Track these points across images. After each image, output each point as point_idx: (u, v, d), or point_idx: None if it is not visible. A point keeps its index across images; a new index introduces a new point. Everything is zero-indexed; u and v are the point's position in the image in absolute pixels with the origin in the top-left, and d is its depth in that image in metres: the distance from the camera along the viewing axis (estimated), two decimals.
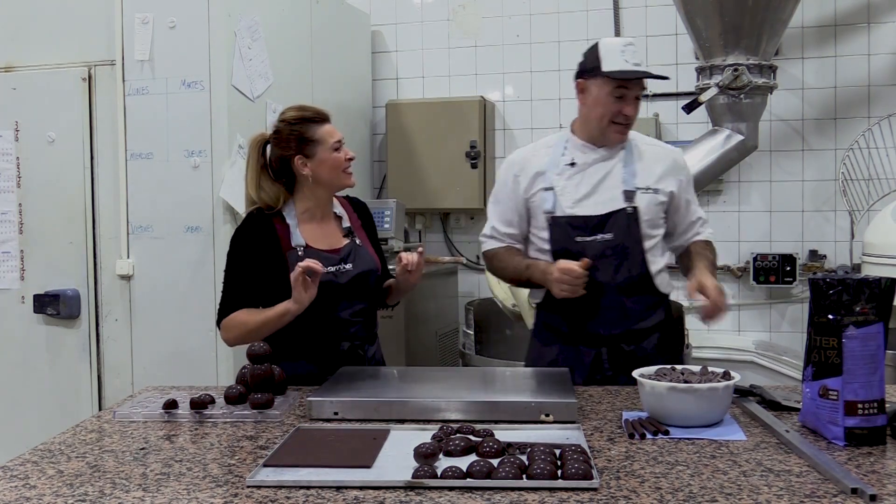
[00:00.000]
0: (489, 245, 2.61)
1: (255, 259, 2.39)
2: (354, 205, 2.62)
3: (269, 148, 2.46)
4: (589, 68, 2.44)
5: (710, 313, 2.34)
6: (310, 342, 2.40)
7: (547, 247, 2.47)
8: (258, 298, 2.38)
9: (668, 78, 2.54)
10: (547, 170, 2.49)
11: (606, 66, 2.39)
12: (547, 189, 2.47)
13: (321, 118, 2.45)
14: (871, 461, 1.60)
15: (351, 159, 2.46)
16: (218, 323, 2.42)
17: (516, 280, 2.59)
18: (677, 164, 2.55)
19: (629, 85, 2.40)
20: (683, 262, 2.59)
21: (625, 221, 2.41)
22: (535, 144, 2.64)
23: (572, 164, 2.48)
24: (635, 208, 2.42)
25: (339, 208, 2.54)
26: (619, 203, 2.43)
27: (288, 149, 2.41)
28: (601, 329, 2.44)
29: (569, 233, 2.43)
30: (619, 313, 2.43)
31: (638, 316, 2.45)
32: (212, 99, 3.19)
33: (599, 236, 2.41)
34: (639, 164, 2.48)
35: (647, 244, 2.44)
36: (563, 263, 2.32)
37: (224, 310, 2.40)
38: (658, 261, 2.47)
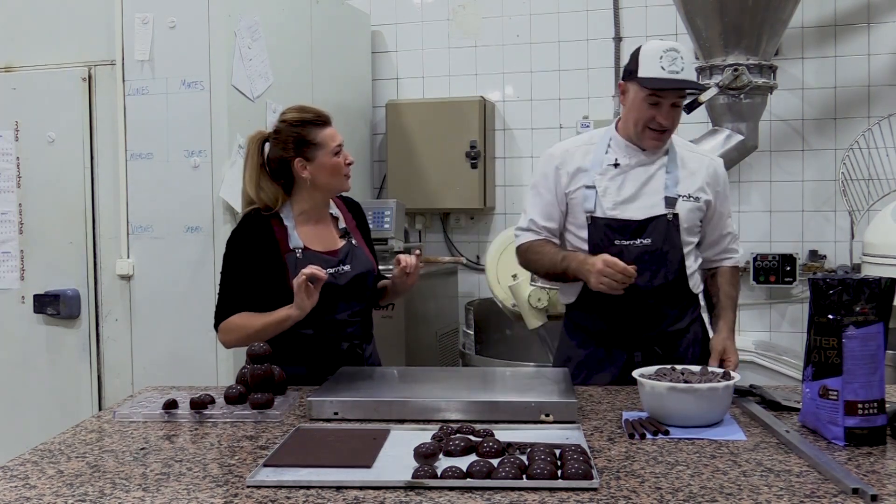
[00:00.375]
0: (526, 238, 2.55)
1: (253, 261, 2.37)
2: (349, 205, 2.61)
3: (267, 146, 2.45)
4: (628, 71, 2.42)
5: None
6: (309, 343, 2.40)
7: (584, 246, 2.44)
8: (256, 300, 2.36)
9: (708, 88, 2.50)
10: (590, 167, 2.46)
11: (642, 72, 2.35)
12: (589, 187, 2.44)
13: (322, 120, 2.42)
14: (871, 461, 1.60)
15: (350, 163, 2.45)
16: (216, 325, 2.40)
17: (550, 273, 2.50)
18: (718, 174, 2.52)
19: (663, 94, 2.36)
20: (708, 289, 2.58)
21: (664, 227, 2.40)
22: (576, 139, 2.59)
23: (616, 165, 2.45)
24: (676, 215, 2.41)
25: (334, 209, 2.54)
26: (661, 209, 2.41)
27: (287, 150, 2.39)
28: (635, 331, 2.43)
29: (608, 234, 2.40)
30: (654, 316, 2.42)
31: (671, 318, 2.45)
32: (212, 99, 3.19)
33: (639, 241, 2.39)
34: (682, 170, 2.45)
35: (686, 250, 2.44)
36: (609, 257, 2.27)
37: (221, 312, 2.39)
38: (693, 265, 2.48)
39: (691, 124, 4.32)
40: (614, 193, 2.43)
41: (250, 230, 2.40)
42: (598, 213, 2.42)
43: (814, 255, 4.29)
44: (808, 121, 4.34)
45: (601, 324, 2.47)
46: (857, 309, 1.69)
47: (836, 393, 1.70)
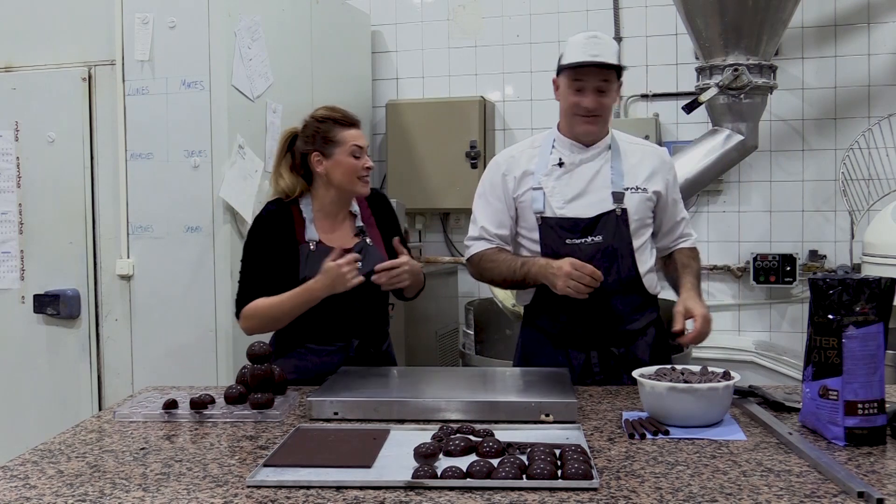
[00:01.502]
0: (478, 247, 2.54)
1: (271, 249, 2.43)
2: (373, 199, 2.60)
3: (297, 141, 2.51)
4: (558, 64, 2.46)
5: (693, 341, 2.32)
6: (319, 341, 2.42)
7: (536, 248, 2.45)
8: (275, 288, 2.40)
9: (625, 68, 2.49)
10: (536, 170, 2.47)
11: (565, 59, 2.40)
12: (536, 189, 2.45)
13: (349, 122, 2.48)
14: (871, 461, 1.60)
15: (369, 168, 2.48)
16: (237, 313, 2.45)
17: (508, 281, 2.49)
18: (664, 162, 2.53)
19: (584, 76, 2.37)
20: (668, 271, 2.57)
21: (614, 223, 2.40)
22: (520, 144, 2.61)
23: (560, 164, 2.46)
24: (624, 210, 2.41)
25: (354, 206, 2.56)
26: (609, 204, 2.41)
27: (309, 144, 2.46)
28: (591, 331, 2.42)
29: (559, 234, 2.41)
30: (608, 315, 2.41)
31: (627, 318, 2.44)
32: (212, 99, 3.18)
33: (589, 238, 2.39)
34: (625, 163, 2.47)
35: (636, 244, 2.43)
36: (576, 260, 2.28)
37: (242, 299, 2.43)
38: (647, 261, 2.46)
39: (691, 124, 4.33)
40: (562, 192, 2.44)
41: (271, 218, 2.46)
42: (548, 213, 2.42)
43: (814, 255, 4.29)
44: (808, 121, 4.34)
45: (557, 325, 2.45)
46: (857, 309, 1.69)
47: (836, 393, 1.71)
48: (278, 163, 2.52)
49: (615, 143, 2.50)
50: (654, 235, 2.54)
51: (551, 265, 2.31)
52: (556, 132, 2.54)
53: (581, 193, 2.43)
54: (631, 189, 2.44)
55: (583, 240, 2.39)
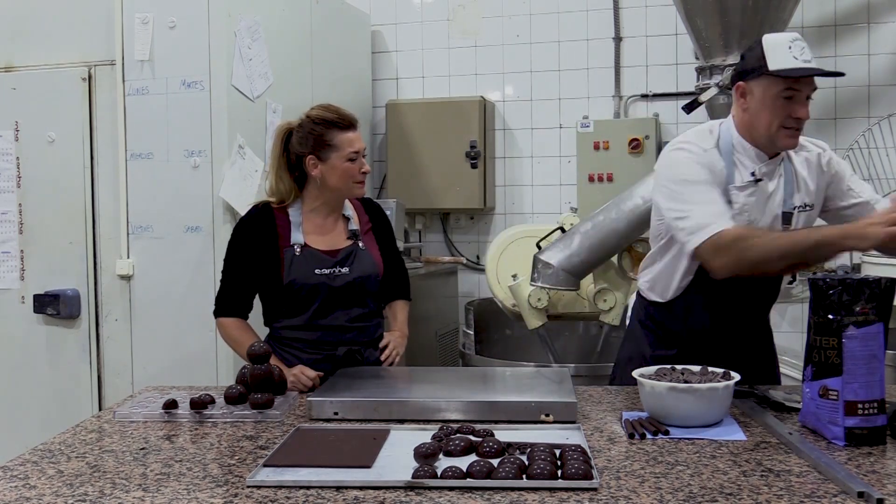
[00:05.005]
0: (718, 226, 2.10)
1: (251, 253, 2.41)
2: (367, 206, 2.60)
3: (292, 139, 2.46)
4: (751, 68, 2.19)
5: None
6: (306, 347, 2.41)
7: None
8: (253, 291, 2.46)
9: (844, 74, 2.33)
10: (726, 178, 2.21)
11: (774, 65, 2.13)
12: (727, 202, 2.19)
13: (346, 124, 2.42)
14: (871, 461, 1.60)
15: (365, 173, 2.45)
16: (215, 314, 2.47)
17: (789, 255, 2.07)
18: (828, 165, 2.33)
19: (799, 84, 2.15)
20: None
21: None
22: (702, 136, 2.28)
23: (756, 180, 2.21)
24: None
25: (349, 210, 2.53)
26: (778, 225, 2.24)
27: (304, 146, 2.41)
28: (716, 346, 2.29)
29: None
30: (744, 336, 2.35)
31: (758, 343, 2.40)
32: (212, 99, 3.18)
33: None
34: (794, 177, 2.27)
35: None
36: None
37: (220, 302, 2.46)
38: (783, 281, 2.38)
39: (691, 124, 4.31)
40: (749, 211, 2.22)
41: (254, 221, 2.44)
42: None
43: None
44: (807, 121, 4.33)
45: (695, 336, 2.31)
46: (857, 309, 1.69)
47: (836, 393, 1.70)
48: (277, 163, 2.46)
49: (786, 155, 2.28)
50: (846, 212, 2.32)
51: (858, 223, 2.02)
52: (736, 135, 2.25)
53: (761, 214, 2.24)
54: (799, 208, 2.26)
55: None
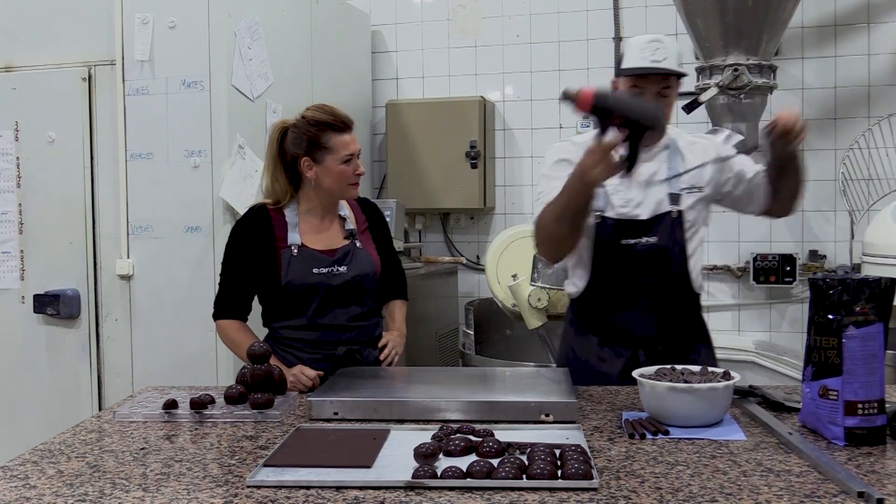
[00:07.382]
0: (537, 212, 2.37)
1: (250, 255, 2.42)
2: (363, 206, 2.61)
3: (287, 138, 2.44)
4: (617, 67, 2.44)
5: (786, 124, 2.32)
6: (305, 347, 2.41)
7: (588, 244, 2.42)
8: (252, 292, 2.47)
9: (686, 74, 2.45)
10: None
11: (625, 64, 2.39)
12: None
13: (342, 125, 2.41)
14: (871, 461, 1.60)
15: (360, 174, 2.45)
16: (214, 316, 2.48)
17: (560, 211, 2.24)
18: (719, 154, 2.51)
19: (643, 82, 2.35)
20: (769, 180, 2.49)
21: (670, 225, 2.40)
22: (576, 138, 2.53)
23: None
24: (680, 212, 2.41)
25: (345, 210, 2.53)
26: (665, 206, 2.41)
27: (298, 147, 2.40)
28: (636, 329, 2.42)
29: (614, 234, 2.40)
30: (657, 315, 2.42)
31: (675, 317, 2.45)
32: (212, 99, 3.18)
33: (644, 239, 2.39)
34: (682, 164, 2.46)
35: (690, 247, 2.44)
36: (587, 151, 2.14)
37: (219, 304, 2.47)
38: (697, 263, 2.47)
39: (691, 124, 4.32)
40: (624, 191, 2.42)
41: (251, 223, 2.44)
42: (609, 213, 2.41)
43: (814, 255, 4.29)
44: (808, 121, 4.33)
45: (604, 320, 2.46)
46: (857, 309, 1.69)
47: (835, 393, 1.70)
48: (272, 163, 2.45)
49: (673, 142, 2.48)
50: (748, 198, 2.49)
51: (575, 172, 2.17)
52: None
53: (639, 194, 2.42)
54: (686, 189, 2.43)
55: (637, 240, 2.39)
